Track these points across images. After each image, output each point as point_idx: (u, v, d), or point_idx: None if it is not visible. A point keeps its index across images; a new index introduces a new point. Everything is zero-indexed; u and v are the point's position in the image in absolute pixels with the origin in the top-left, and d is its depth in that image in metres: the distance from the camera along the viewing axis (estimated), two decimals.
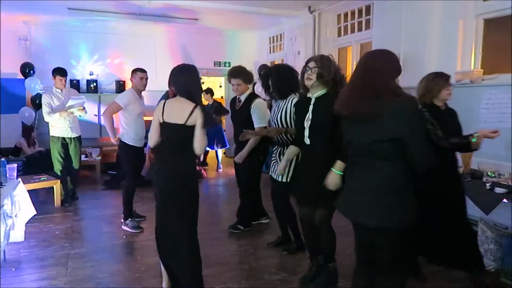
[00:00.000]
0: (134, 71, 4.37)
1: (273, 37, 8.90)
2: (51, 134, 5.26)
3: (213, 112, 7.03)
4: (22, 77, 7.19)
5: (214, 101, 7.58)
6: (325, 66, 2.70)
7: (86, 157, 6.72)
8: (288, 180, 3.36)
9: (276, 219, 3.86)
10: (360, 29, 6.38)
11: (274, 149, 3.58)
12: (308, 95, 2.82)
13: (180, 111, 2.65)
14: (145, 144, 4.47)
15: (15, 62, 7.31)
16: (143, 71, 4.37)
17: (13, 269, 3.32)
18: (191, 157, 2.75)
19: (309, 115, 2.77)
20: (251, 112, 3.97)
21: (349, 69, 6.74)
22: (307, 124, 2.77)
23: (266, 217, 4.57)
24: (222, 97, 10.18)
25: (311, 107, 2.77)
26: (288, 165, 3.32)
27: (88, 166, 6.86)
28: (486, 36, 4.36)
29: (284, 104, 3.38)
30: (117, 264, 3.47)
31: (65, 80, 5.41)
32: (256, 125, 3.94)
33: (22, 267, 3.38)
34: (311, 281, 3.03)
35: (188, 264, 2.70)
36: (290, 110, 3.30)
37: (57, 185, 5.11)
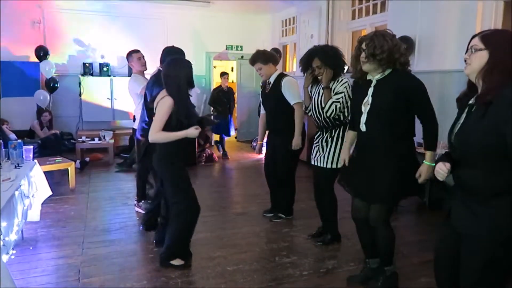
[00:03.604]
0: (129, 54, 4.31)
1: (286, 20, 8.79)
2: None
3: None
4: (37, 60, 7.26)
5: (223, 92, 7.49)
6: (377, 44, 2.34)
7: (99, 140, 6.81)
8: (336, 166, 3.25)
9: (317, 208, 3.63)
10: (375, 12, 6.26)
11: (317, 135, 3.45)
12: (368, 78, 2.50)
13: (157, 100, 2.85)
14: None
15: (29, 45, 7.39)
16: (137, 51, 4.35)
17: (31, 248, 3.41)
18: (168, 146, 2.88)
19: (368, 99, 2.46)
20: (283, 91, 3.79)
21: None
22: (365, 108, 2.47)
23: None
24: (233, 81, 10.16)
25: (371, 90, 2.45)
26: (336, 150, 3.26)
27: (101, 149, 6.97)
28: (505, 18, 4.24)
29: (332, 85, 3.26)
30: (131, 244, 3.54)
31: None
32: (292, 103, 3.77)
33: (39, 246, 3.47)
34: (362, 283, 2.79)
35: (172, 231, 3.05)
36: (341, 92, 3.21)
37: (71, 167, 5.19)
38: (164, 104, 2.77)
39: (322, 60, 3.26)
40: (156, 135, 2.79)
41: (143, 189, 4.41)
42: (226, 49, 9.01)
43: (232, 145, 8.69)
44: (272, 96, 3.93)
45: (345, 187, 2.77)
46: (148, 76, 4.45)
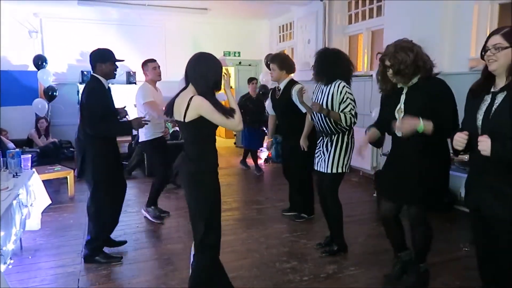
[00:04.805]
0: (145, 63, 4.26)
1: (283, 25, 8.84)
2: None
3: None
4: (35, 69, 7.27)
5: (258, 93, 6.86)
6: (401, 60, 2.44)
7: None
8: (337, 171, 3.26)
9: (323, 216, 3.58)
10: (371, 16, 6.30)
11: (319, 140, 3.43)
12: (399, 86, 2.58)
13: (179, 106, 2.35)
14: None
15: (26, 54, 7.41)
16: (153, 60, 4.27)
17: (30, 257, 3.39)
18: (204, 154, 2.39)
19: (401, 105, 2.55)
20: (294, 100, 3.88)
21: (360, 57, 6.67)
22: (399, 115, 2.54)
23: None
24: (231, 87, 10.17)
25: (403, 97, 2.55)
26: (336, 155, 3.25)
27: None
28: (501, 21, 4.26)
29: (328, 89, 3.25)
30: (130, 252, 3.51)
31: None
32: (304, 111, 3.80)
33: (38, 255, 3.45)
34: (397, 279, 2.83)
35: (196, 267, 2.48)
36: (336, 96, 3.20)
37: (70, 175, 5.18)
38: (203, 103, 2.26)
39: (314, 65, 3.33)
40: (236, 119, 2.31)
41: (156, 195, 4.33)
42: (224, 55, 9.03)
43: (230, 151, 8.69)
44: (281, 102, 4.07)
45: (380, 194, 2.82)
46: (160, 85, 4.37)
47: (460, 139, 1.94)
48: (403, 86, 2.56)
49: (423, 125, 2.32)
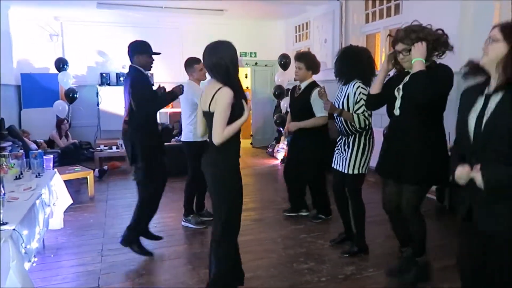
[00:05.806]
0: (190, 64, 4.13)
1: (299, 25, 8.81)
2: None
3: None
4: (56, 72, 7.44)
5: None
6: (414, 39, 2.44)
7: (117, 148, 6.92)
8: (358, 172, 3.22)
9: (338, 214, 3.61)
10: (389, 15, 6.22)
11: (338, 139, 3.42)
12: (406, 70, 2.60)
13: (207, 96, 2.35)
14: None
15: (47, 57, 7.60)
16: (198, 61, 4.03)
17: (52, 255, 3.47)
18: (228, 150, 2.36)
19: (401, 84, 2.57)
20: (311, 101, 3.90)
21: (378, 56, 6.60)
22: (398, 94, 2.58)
23: (306, 210, 4.41)
24: (247, 87, 10.20)
25: (406, 79, 2.54)
26: (356, 155, 3.21)
27: (119, 157, 7.06)
28: None
29: (346, 89, 3.27)
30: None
31: None
32: (317, 115, 3.87)
33: (60, 254, 3.52)
34: (398, 274, 2.81)
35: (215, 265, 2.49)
36: (351, 96, 3.19)
37: (90, 176, 5.27)
38: (225, 96, 2.26)
39: (335, 63, 3.33)
40: (224, 134, 2.26)
41: (199, 201, 4.25)
42: (240, 56, 9.04)
43: (247, 151, 8.70)
44: (300, 101, 4.06)
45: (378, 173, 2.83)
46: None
47: (462, 176, 1.73)
48: (410, 71, 2.53)
49: (420, 60, 2.37)
